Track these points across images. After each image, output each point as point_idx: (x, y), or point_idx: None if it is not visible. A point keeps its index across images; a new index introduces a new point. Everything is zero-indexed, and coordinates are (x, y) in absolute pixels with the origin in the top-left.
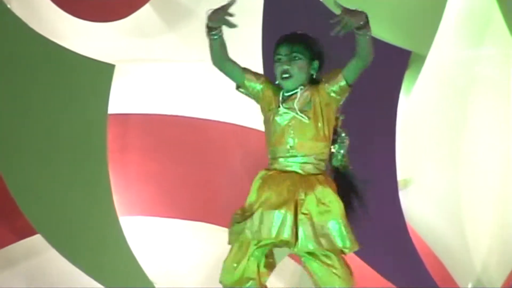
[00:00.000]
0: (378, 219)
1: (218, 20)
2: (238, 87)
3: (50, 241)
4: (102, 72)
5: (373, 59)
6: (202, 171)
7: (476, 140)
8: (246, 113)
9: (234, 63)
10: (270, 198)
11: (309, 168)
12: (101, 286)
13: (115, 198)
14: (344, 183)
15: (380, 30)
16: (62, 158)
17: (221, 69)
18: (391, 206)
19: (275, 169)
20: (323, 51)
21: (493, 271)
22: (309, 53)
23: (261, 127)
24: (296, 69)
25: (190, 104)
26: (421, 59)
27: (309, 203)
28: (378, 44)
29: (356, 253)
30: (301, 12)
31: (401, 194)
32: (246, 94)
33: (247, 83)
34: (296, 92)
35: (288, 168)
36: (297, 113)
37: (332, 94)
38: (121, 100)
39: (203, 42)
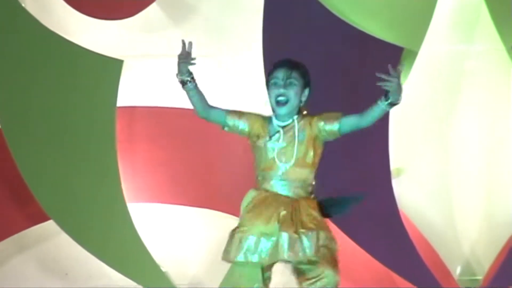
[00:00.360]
0: (373, 205)
1: (184, 70)
2: (223, 128)
3: (62, 227)
4: (111, 67)
5: (367, 55)
6: (205, 160)
7: (465, 132)
8: (246, 104)
9: (216, 108)
10: (260, 224)
11: (299, 192)
12: (111, 269)
13: (124, 185)
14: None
15: (374, 27)
16: (73, 147)
17: (206, 119)
18: (384, 193)
19: (265, 190)
20: (309, 74)
21: (480, 255)
22: (303, 81)
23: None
24: (293, 94)
25: None
26: (413, 55)
27: (299, 218)
28: (372, 41)
29: (352, 237)
30: (300, 11)
31: (394, 183)
32: (232, 132)
33: (231, 123)
34: (289, 123)
35: (279, 191)
36: (295, 145)
37: (323, 133)
38: (129, 93)
39: (206, 38)
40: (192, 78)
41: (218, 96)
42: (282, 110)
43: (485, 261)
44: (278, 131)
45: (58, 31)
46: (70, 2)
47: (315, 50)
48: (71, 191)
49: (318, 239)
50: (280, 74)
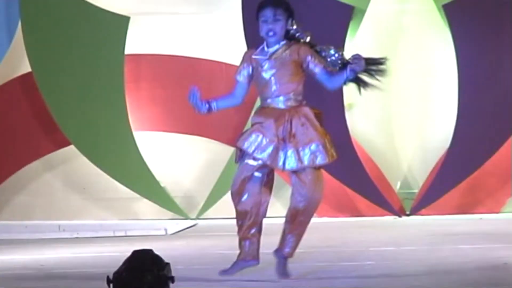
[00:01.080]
0: (330, 133)
1: (202, 110)
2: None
3: (81, 150)
4: (120, 23)
5: (322, 14)
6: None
7: (404, 75)
8: (229, 55)
9: (235, 90)
10: (264, 126)
11: (291, 103)
12: (120, 184)
13: (130, 117)
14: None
15: None
16: (89, 87)
17: (242, 100)
18: (339, 123)
19: (266, 108)
20: (293, 9)
21: (416, 173)
22: (287, 13)
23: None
24: (279, 28)
25: (188, 46)
26: (362, 12)
27: (295, 126)
28: (327, 1)
29: None
30: None
31: (347, 115)
32: (249, 81)
33: (241, 80)
34: (277, 49)
35: (275, 105)
36: (282, 66)
37: (305, 65)
38: (136, 44)
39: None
40: (209, 104)
41: (206, 44)
42: (271, 40)
43: (420, 177)
44: (266, 60)
45: None
46: None
47: None
48: (88, 122)
49: (310, 149)
50: (267, 12)
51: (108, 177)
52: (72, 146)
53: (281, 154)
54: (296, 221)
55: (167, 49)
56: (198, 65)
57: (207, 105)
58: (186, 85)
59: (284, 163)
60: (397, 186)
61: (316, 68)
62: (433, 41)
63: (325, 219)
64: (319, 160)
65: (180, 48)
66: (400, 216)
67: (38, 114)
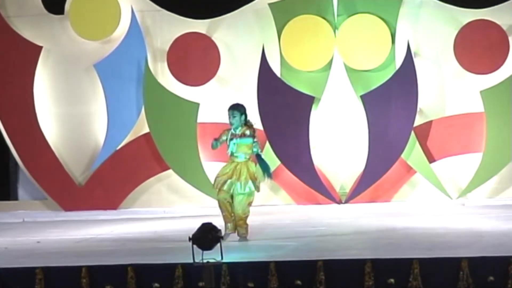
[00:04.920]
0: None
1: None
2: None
3: (176, 172)
4: (191, 108)
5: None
6: None
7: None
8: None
9: (221, 143)
10: (228, 173)
11: (245, 158)
12: (192, 188)
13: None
14: (260, 161)
15: None
16: (177, 140)
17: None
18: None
19: (232, 160)
20: (245, 109)
21: (347, 179)
22: (240, 112)
23: None
24: (237, 121)
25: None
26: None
27: (243, 173)
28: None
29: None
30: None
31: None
32: (221, 143)
33: (220, 141)
34: (239, 131)
35: (237, 160)
36: (240, 139)
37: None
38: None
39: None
40: (217, 145)
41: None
42: (234, 126)
43: (350, 182)
44: (234, 136)
45: None
46: None
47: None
48: (178, 156)
49: (247, 182)
50: (230, 112)
51: (189, 185)
52: (170, 170)
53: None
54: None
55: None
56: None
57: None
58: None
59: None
60: (338, 187)
61: (254, 149)
62: None
63: (295, 206)
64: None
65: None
66: (339, 203)
67: (156, 153)
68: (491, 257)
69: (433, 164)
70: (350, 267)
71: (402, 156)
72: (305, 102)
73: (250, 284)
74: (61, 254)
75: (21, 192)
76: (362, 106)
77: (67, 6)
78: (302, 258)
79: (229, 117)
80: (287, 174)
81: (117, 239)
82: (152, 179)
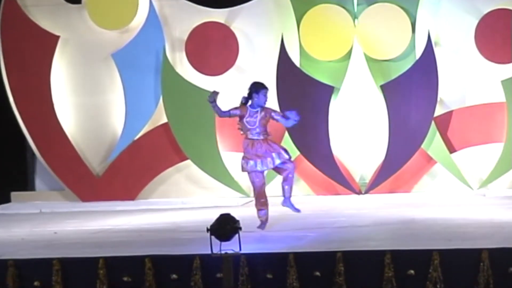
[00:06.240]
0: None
1: (212, 99)
2: (229, 116)
3: (194, 162)
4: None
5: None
6: None
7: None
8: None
9: (227, 111)
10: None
11: (264, 136)
12: (210, 178)
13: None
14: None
15: None
16: (199, 129)
17: (222, 117)
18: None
19: (251, 139)
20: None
21: (367, 168)
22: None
23: None
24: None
25: None
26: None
27: (267, 148)
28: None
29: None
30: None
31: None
32: (233, 116)
33: (232, 114)
34: (257, 111)
35: (255, 137)
36: (259, 119)
37: (271, 117)
38: None
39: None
40: (215, 101)
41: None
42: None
43: (370, 172)
44: (255, 113)
45: None
46: None
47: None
48: (198, 147)
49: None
50: (266, 91)
51: (208, 176)
52: (189, 160)
53: (264, 162)
54: (288, 179)
55: None
56: None
57: (213, 101)
58: None
59: (266, 165)
60: (358, 178)
61: (276, 118)
62: None
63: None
64: (280, 159)
65: None
66: (358, 194)
67: (174, 143)
68: None
69: (453, 154)
70: (370, 258)
71: (422, 146)
72: (324, 92)
73: (269, 275)
74: (78, 245)
75: (38, 182)
76: (382, 96)
77: None
78: (321, 249)
79: (265, 96)
80: (306, 164)
81: (135, 230)
82: (170, 169)
